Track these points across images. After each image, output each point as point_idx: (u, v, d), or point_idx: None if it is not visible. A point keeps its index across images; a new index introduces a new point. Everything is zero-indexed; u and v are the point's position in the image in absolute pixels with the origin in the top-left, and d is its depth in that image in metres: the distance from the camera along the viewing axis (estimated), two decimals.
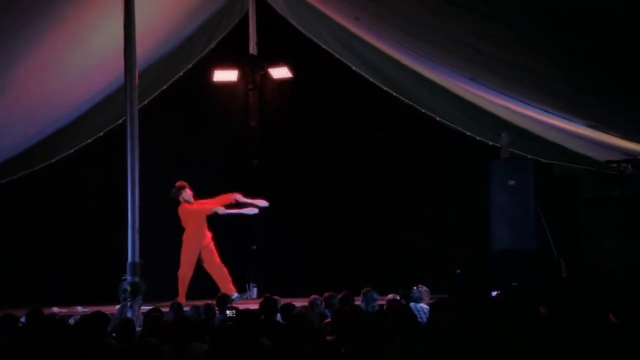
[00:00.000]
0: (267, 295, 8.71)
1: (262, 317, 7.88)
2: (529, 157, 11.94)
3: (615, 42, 7.13)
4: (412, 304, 8.75)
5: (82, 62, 11.36)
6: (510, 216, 11.27)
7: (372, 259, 12.98)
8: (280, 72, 13.84)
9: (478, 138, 12.57)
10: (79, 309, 11.24)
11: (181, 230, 12.66)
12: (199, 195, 12.33)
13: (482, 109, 12.22)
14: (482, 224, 11.66)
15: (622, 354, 5.70)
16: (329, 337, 6.35)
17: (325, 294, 9.00)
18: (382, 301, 9.14)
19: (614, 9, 6.46)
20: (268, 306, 8.10)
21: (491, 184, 11.49)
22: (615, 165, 11.19)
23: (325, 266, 13.28)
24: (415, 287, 9.32)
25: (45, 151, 13.05)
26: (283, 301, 8.37)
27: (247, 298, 12.47)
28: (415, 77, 12.54)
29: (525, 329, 6.13)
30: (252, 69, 13.96)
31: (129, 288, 9.66)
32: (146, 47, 11.35)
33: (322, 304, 8.84)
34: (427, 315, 7.22)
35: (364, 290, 8.98)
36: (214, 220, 12.35)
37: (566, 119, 10.48)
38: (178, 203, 12.39)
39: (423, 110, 12.77)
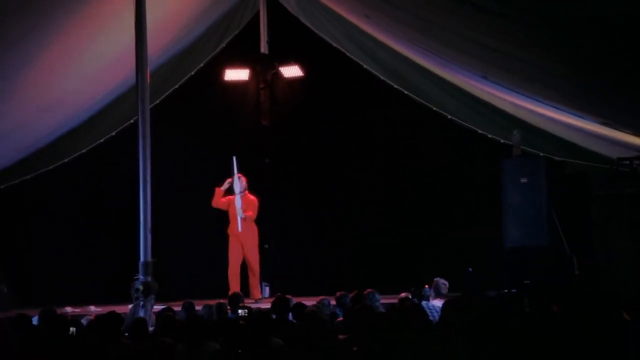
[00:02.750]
0: (279, 294, 8.72)
1: (274, 316, 7.89)
2: (541, 154, 11.91)
3: (628, 39, 7.11)
4: (424, 303, 8.75)
5: (93, 61, 11.39)
6: (522, 214, 11.22)
7: (383, 257, 12.96)
8: (292, 71, 13.84)
9: (490, 136, 12.55)
10: (92, 308, 11.28)
11: (193, 228, 12.69)
12: (210, 192, 12.36)
13: (494, 106, 12.19)
14: (494, 222, 11.62)
15: (636, 352, 5.69)
16: (341, 336, 6.36)
17: (338, 293, 9.02)
18: (394, 300, 9.14)
19: (627, 7, 6.45)
20: (280, 305, 8.11)
21: (503, 182, 11.45)
22: (627, 162, 11.14)
23: (337, 265, 13.28)
24: (426, 286, 9.32)
25: (58, 151, 13.11)
26: (295, 300, 8.38)
27: None
28: (426, 75, 12.53)
29: (538, 327, 6.12)
30: (263, 67, 13.97)
31: (141, 287, 9.68)
32: (157, 46, 11.38)
33: (330, 304, 8.87)
34: (439, 314, 7.22)
35: (366, 292, 9.01)
36: (224, 219, 12.37)
37: (578, 116, 10.45)
38: (190, 202, 12.43)
39: (434, 108, 12.75)
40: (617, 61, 7.85)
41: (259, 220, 12.51)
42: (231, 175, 12.25)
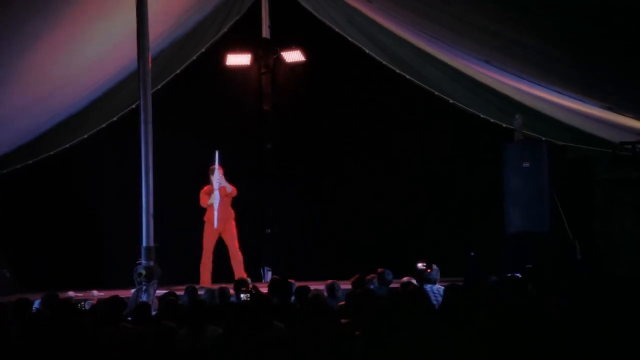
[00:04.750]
0: (275, 277, 8.76)
1: (277, 300, 7.91)
2: (543, 139, 11.89)
3: (630, 23, 7.09)
4: (427, 286, 8.76)
5: (95, 46, 11.36)
6: (524, 198, 11.22)
7: (385, 241, 12.97)
8: (293, 56, 13.81)
9: (492, 120, 12.53)
10: (95, 293, 11.31)
11: (194, 214, 12.71)
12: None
13: (496, 91, 12.18)
14: (496, 207, 11.63)
15: (636, 336, 5.69)
16: (343, 320, 6.37)
17: (379, 270, 9.10)
18: (396, 284, 9.15)
19: None
20: (283, 289, 8.13)
21: (505, 166, 11.45)
22: (630, 146, 11.13)
23: (338, 249, 13.30)
24: (428, 270, 9.32)
25: (60, 136, 13.10)
26: (297, 284, 8.40)
27: None
28: (429, 60, 12.51)
29: (540, 311, 6.13)
30: (265, 52, 13.94)
31: (144, 272, 9.70)
32: (159, 31, 11.35)
33: (339, 288, 8.91)
34: (442, 297, 7.23)
35: (379, 270, 9.07)
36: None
37: (580, 100, 10.43)
38: (192, 187, 12.46)
39: (437, 93, 12.73)
40: (619, 45, 7.83)
41: (260, 204, 12.48)
42: (212, 165, 12.15)
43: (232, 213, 12.36)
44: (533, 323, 5.86)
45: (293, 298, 8.11)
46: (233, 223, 12.37)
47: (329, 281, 9.06)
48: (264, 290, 8.93)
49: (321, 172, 13.77)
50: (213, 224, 12.21)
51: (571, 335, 5.73)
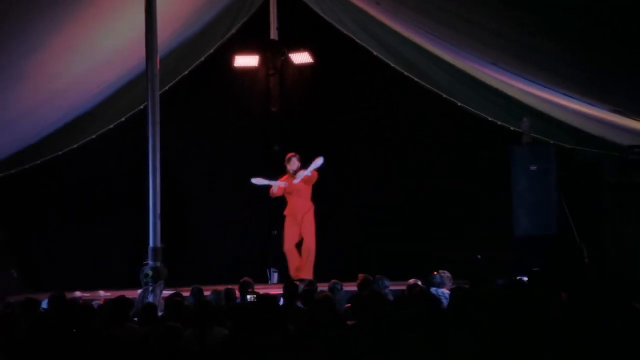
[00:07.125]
0: (290, 280, 8.75)
1: (283, 301, 7.91)
2: (551, 142, 11.88)
3: (632, 22, 7.07)
4: (433, 289, 8.75)
5: (104, 47, 11.39)
6: (532, 202, 11.21)
7: (392, 243, 12.95)
8: (301, 57, 13.82)
9: (499, 123, 12.52)
10: (102, 293, 11.33)
11: (202, 214, 12.71)
12: (219, 179, 12.35)
13: (504, 93, 12.16)
14: (504, 210, 11.61)
15: None
16: (349, 322, 6.36)
17: (377, 276, 9.09)
18: (402, 286, 9.15)
19: None
20: (289, 291, 8.13)
21: (513, 169, 11.43)
22: (638, 150, 11.11)
23: (345, 251, 13.29)
24: (435, 273, 9.31)
25: (67, 136, 13.12)
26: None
27: None
28: (437, 62, 12.50)
29: (546, 315, 6.11)
30: (273, 54, 13.95)
31: (150, 273, 9.72)
32: (167, 32, 11.37)
33: (341, 288, 8.90)
34: (448, 300, 7.21)
35: (377, 277, 9.05)
36: (233, 206, 12.36)
37: (589, 103, 10.41)
38: (198, 187, 12.46)
39: (444, 95, 12.72)
40: (625, 46, 7.81)
41: (266, 205, 12.47)
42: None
43: (311, 206, 12.30)
44: (540, 326, 5.84)
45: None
46: (312, 216, 12.29)
47: (332, 281, 9.08)
48: (272, 291, 8.94)
49: (328, 174, 13.74)
50: (293, 216, 12.15)
51: (578, 339, 5.70)
